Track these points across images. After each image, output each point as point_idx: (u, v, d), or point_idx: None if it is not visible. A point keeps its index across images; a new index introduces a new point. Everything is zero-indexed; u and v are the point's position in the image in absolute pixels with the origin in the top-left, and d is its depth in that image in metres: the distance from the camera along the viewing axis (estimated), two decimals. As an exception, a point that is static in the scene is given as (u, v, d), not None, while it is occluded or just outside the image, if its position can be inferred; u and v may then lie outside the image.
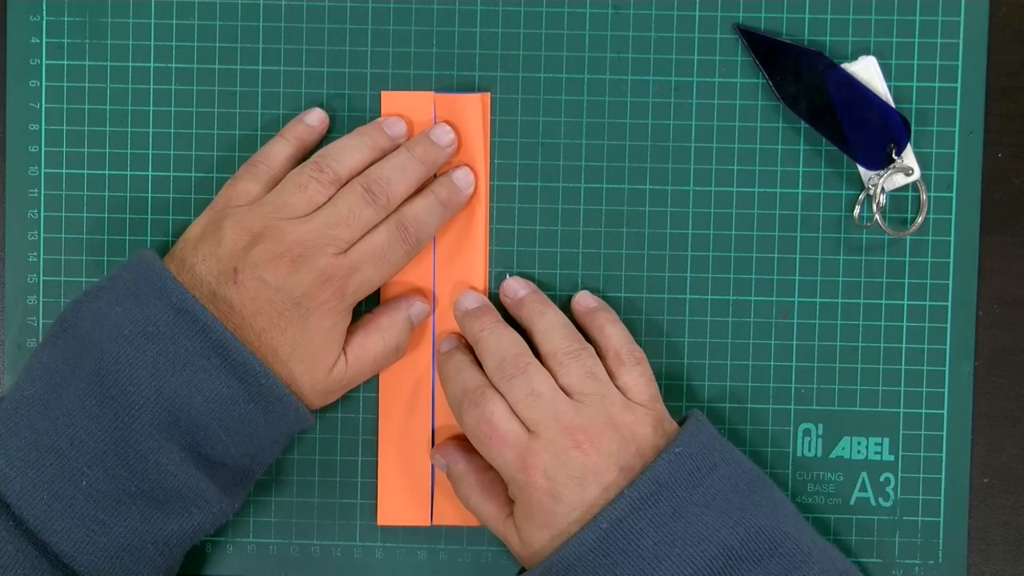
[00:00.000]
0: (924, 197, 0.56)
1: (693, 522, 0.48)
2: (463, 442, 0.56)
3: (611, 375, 0.53)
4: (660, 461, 0.49)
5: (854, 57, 0.56)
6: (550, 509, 0.49)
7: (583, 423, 0.50)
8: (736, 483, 0.50)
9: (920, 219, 0.56)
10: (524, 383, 0.51)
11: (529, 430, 0.50)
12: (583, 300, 0.56)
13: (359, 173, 0.54)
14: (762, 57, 0.56)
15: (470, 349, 0.55)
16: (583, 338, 0.53)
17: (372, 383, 0.56)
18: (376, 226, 0.53)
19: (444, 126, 0.56)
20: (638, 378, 0.53)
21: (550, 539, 0.50)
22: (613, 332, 0.54)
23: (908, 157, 0.56)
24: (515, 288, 0.56)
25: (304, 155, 0.56)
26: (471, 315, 0.55)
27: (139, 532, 0.49)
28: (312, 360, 0.51)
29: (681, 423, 0.53)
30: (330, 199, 0.52)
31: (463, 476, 0.54)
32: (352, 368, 0.53)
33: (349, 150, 0.54)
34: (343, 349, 0.53)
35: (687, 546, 0.47)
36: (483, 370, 0.53)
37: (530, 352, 0.53)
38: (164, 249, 0.57)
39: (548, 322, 0.54)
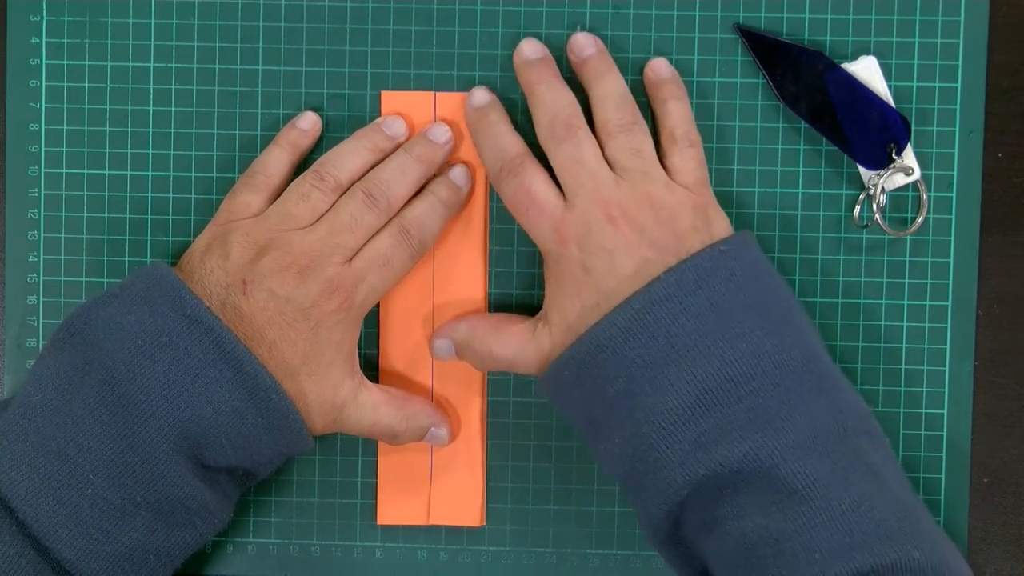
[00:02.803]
0: (924, 197, 0.56)
1: (729, 319, 0.47)
2: (453, 319, 0.55)
3: (662, 154, 0.52)
4: (703, 253, 0.48)
5: (854, 57, 0.56)
6: (581, 280, 0.49)
7: (619, 198, 0.49)
8: (777, 298, 0.49)
9: (920, 219, 0.56)
10: (571, 148, 0.50)
11: (566, 198, 0.50)
12: (658, 68, 0.55)
13: (360, 177, 0.54)
14: (762, 57, 0.56)
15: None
16: (639, 112, 0.53)
17: (371, 379, 0.56)
18: (379, 232, 0.53)
19: (441, 124, 0.56)
20: (687, 160, 0.52)
21: (580, 312, 0.49)
22: (674, 109, 0.53)
23: (908, 157, 0.56)
24: (582, 45, 0.54)
25: (300, 160, 0.56)
26: (531, 64, 0.53)
27: (142, 543, 0.48)
28: (321, 375, 0.51)
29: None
30: (332, 206, 0.52)
31: (472, 333, 0.53)
32: (356, 406, 0.53)
33: (349, 155, 0.54)
34: (363, 385, 0.53)
35: (719, 340, 0.47)
36: (517, 135, 0.53)
37: (582, 116, 0.52)
38: (164, 248, 0.57)
39: (606, 89, 0.53)
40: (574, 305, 0.49)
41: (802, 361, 0.48)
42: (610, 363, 0.48)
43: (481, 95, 0.54)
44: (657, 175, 0.51)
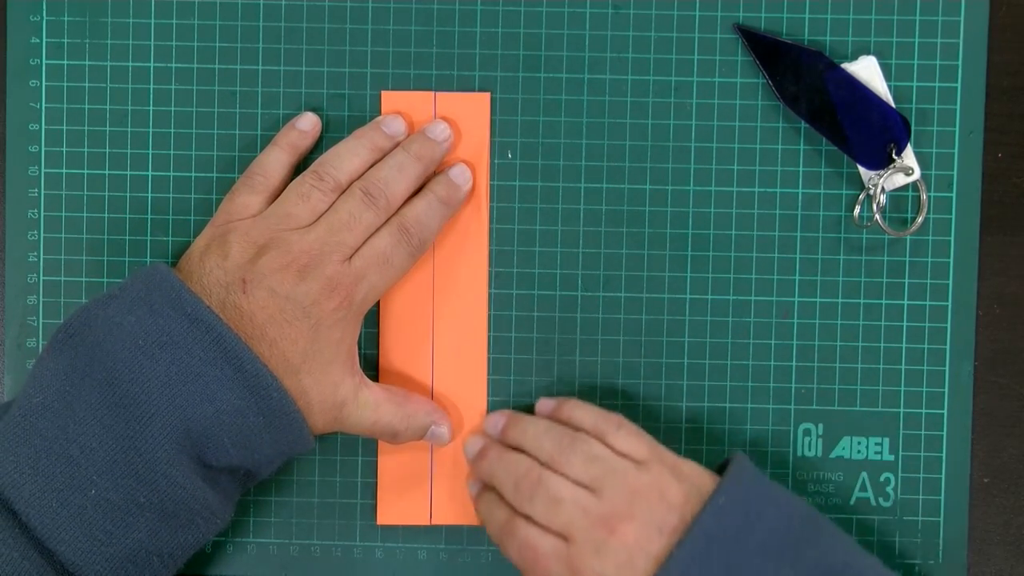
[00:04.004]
0: (924, 197, 0.56)
1: (749, 570, 0.48)
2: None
3: (605, 443, 0.53)
4: (705, 515, 0.49)
5: (854, 57, 0.56)
6: None
7: (609, 508, 0.50)
8: (788, 526, 0.49)
9: (920, 219, 0.56)
10: (542, 496, 0.51)
11: (565, 538, 0.50)
12: (542, 407, 0.56)
13: (360, 177, 0.54)
14: (762, 57, 0.56)
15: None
16: (570, 430, 0.53)
17: (371, 378, 0.56)
18: (378, 230, 0.53)
19: (440, 122, 0.56)
20: (627, 438, 0.52)
21: None
22: (582, 415, 0.54)
23: (908, 157, 0.56)
24: (494, 422, 0.56)
25: (299, 161, 0.56)
26: (476, 458, 0.55)
27: (145, 544, 0.48)
28: (322, 373, 0.51)
29: (722, 467, 0.52)
30: (332, 206, 0.52)
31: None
32: (356, 404, 0.53)
33: (348, 155, 0.54)
34: (363, 384, 0.53)
35: None
36: (505, 502, 0.53)
37: (537, 465, 0.52)
38: (164, 248, 0.57)
39: (532, 434, 0.54)
40: None
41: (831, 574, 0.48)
42: None
43: (473, 443, 0.56)
44: (621, 466, 0.51)
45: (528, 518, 0.52)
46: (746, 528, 0.49)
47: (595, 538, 0.50)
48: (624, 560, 0.49)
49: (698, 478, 0.51)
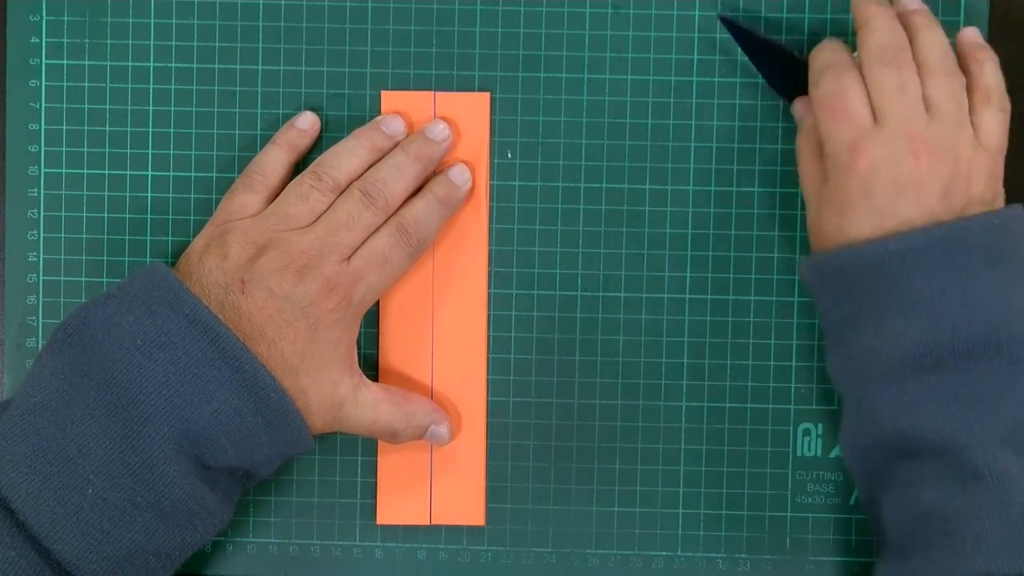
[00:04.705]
0: None
1: (974, 292, 0.47)
2: None
3: (972, 109, 0.52)
4: (975, 221, 0.48)
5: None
6: (855, 200, 0.49)
7: (929, 136, 0.49)
8: None
9: None
10: (895, 73, 0.50)
11: (876, 120, 0.50)
12: (972, 34, 0.54)
13: (359, 177, 0.54)
14: (750, 50, 0.56)
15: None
16: (959, 70, 0.52)
17: (371, 378, 0.56)
18: (377, 231, 0.53)
19: (439, 122, 0.56)
20: (996, 123, 0.51)
21: (836, 230, 0.50)
22: (991, 70, 0.53)
23: None
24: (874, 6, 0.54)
25: (298, 160, 0.56)
26: (873, 8, 0.53)
27: (142, 543, 0.48)
28: (320, 373, 0.51)
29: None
30: (330, 206, 0.52)
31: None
32: (355, 404, 0.53)
33: (347, 155, 0.54)
34: (362, 383, 0.53)
35: (957, 309, 0.47)
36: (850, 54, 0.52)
37: (912, 56, 0.51)
38: (164, 248, 0.57)
39: (932, 36, 0.52)
40: (833, 222, 0.50)
41: None
42: (847, 288, 0.49)
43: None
44: (967, 129, 0.50)
45: (862, 79, 0.50)
46: (997, 255, 0.48)
47: (898, 143, 0.49)
48: (899, 182, 0.48)
49: (998, 199, 0.51)
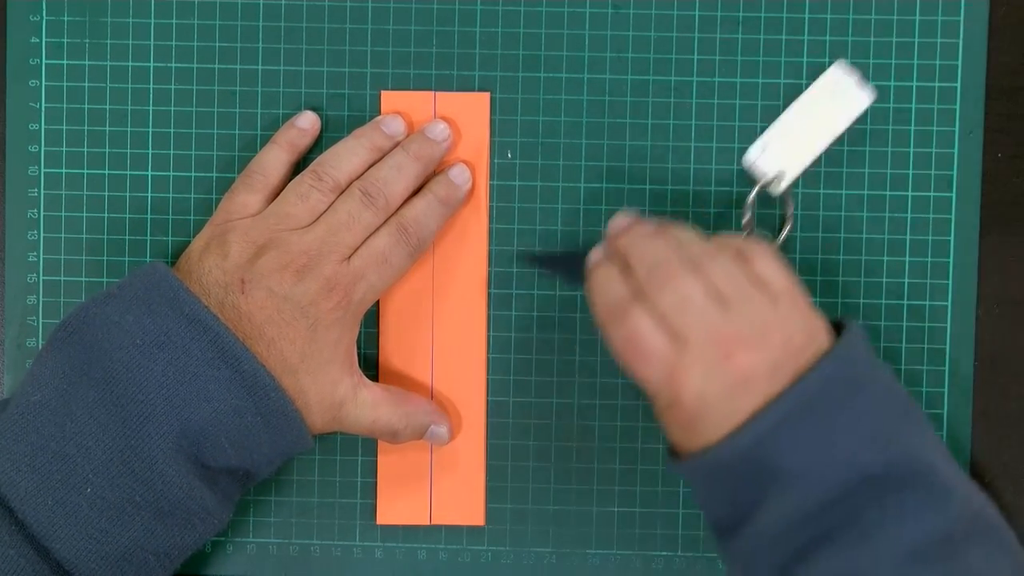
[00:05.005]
0: (790, 212, 0.56)
1: (836, 444, 0.46)
2: None
3: (747, 269, 0.50)
4: (809, 380, 0.46)
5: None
6: (694, 423, 0.47)
7: (734, 331, 0.47)
8: (885, 408, 0.48)
9: (783, 234, 0.56)
10: (672, 291, 0.47)
11: (677, 340, 0.47)
12: (621, 221, 0.52)
13: (359, 177, 0.54)
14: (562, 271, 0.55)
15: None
16: (720, 239, 0.50)
17: (371, 378, 0.56)
18: (377, 230, 0.53)
19: (439, 122, 0.56)
20: (770, 265, 0.49)
21: (688, 441, 0.48)
22: (729, 237, 0.51)
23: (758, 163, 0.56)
24: (621, 220, 0.52)
25: (299, 159, 0.56)
26: (618, 231, 0.51)
27: (141, 543, 0.48)
28: (320, 373, 0.51)
29: (835, 325, 0.50)
30: (331, 206, 0.52)
31: None
32: (355, 404, 0.53)
33: (347, 155, 0.54)
34: (362, 383, 0.53)
35: (826, 467, 0.46)
36: (629, 282, 0.49)
37: (681, 259, 0.49)
38: (164, 248, 0.57)
39: (681, 234, 0.50)
40: (684, 437, 0.49)
41: (911, 475, 0.47)
42: (718, 484, 0.48)
43: (623, 217, 0.52)
44: (759, 293, 0.48)
45: (646, 311, 0.48)
46: (844, 400, 0.47)
47: (709, 355, 0.47)
48: (728, 389, 0.47)
49: (820, 333, 0.48)
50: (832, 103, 0.56)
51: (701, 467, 0.48)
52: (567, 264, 0.54)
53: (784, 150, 0.55)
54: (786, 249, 0.57)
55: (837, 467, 0.46)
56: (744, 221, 0.55)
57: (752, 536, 0.48)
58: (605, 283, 0.50)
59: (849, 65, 0.56)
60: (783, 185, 0.55)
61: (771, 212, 0.57)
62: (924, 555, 0.45)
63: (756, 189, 0.55)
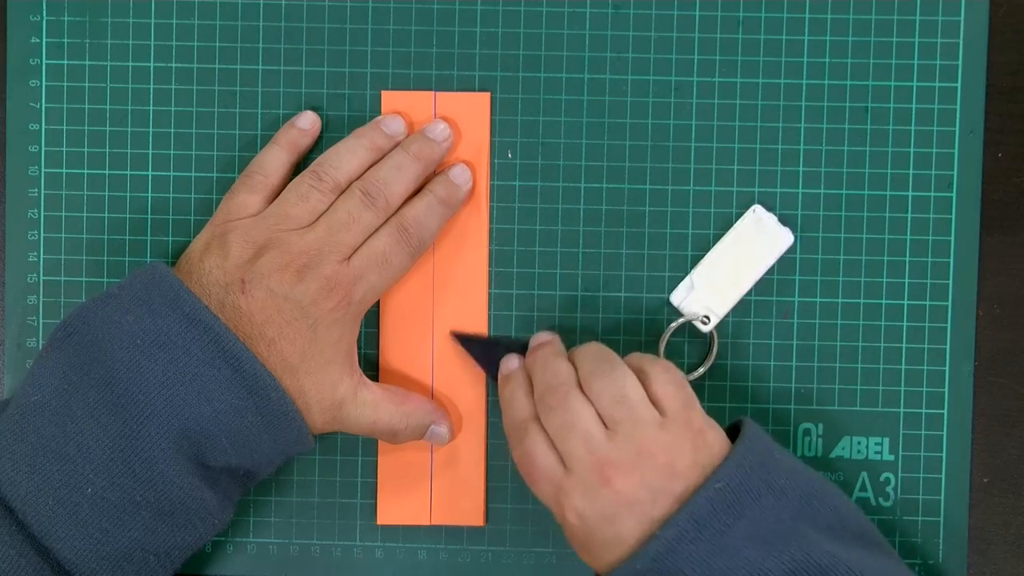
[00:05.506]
0: (714, 350, 0.56)
1: (734, 557, 0.47)
2: None
3: (646, 388, 0.51)
4: (698, 498, 0.47)
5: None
6: (586, 543, 0.49)
7: (613, 456, 0.49)
8: (780, 512, 0.48)
9: (706, 366, 0.56)
10: (561, 415, 0.50)
11: (564, 463, 0.50)
12: (544, 338, 0.55)
13: (359, 177, 0.54)
14: (478, 355, 0.56)
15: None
16: (616, 358, 0.52)
17: (371, 378, 0.56)
18: (377, 231, 0.53)
19: (440, 122, 0.56)
20: (666, 386, 0.51)
21: (591, 561, 0.50)
22: (638, 356, 0.53)
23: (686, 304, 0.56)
24: (540, 337, 0.55)
25: (299, 159, 0.56)
26: (532, 349, 0.54)
27: (142, 543, 0.48)
28: (320, 373, 0.51)
29: (730, 429, 0.52)
30: (331, 206, 0.52)
31: None
32: (356, 404, 0.53)
33: (347, 155, 0.54)
34: (362, 383, 0.53)
35: None
36: (531, 400, 0.52)
37: (573, 381, 0.51)
38: (164, 248, 0.57)
39: (582, 350, 0.53)
40: (584, 558, 0.50)
41: (815, 571, 0.47)
42: None
43: (540, 336, 0.55)
44: (648, 417, 0.50)
45: (540, 431, 0.50)
46: (737, 511, 0.48)
47: (589, 479, 0.49)
48: (608, 513, 0.48)
49: (715, 447, 0.50)
50: (756, 243, 0.56)
51: None
52: (487, 356, 0.56)
53: (710, 290, 0.56)
54: (714, 365, 0.57)
55: None
56: (660, 347, 0.56)
57: None
58: (511, 398, 0.53)
59: (765, 209, 0.56)
60: (710, 325, 0.56)
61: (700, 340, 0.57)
62: None
63: (679, 322, 0.56)
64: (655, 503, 0.48)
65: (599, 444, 0.49)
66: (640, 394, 0.50)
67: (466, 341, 0.56)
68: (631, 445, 0.49)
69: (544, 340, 0.54)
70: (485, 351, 0.56)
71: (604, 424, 0.50)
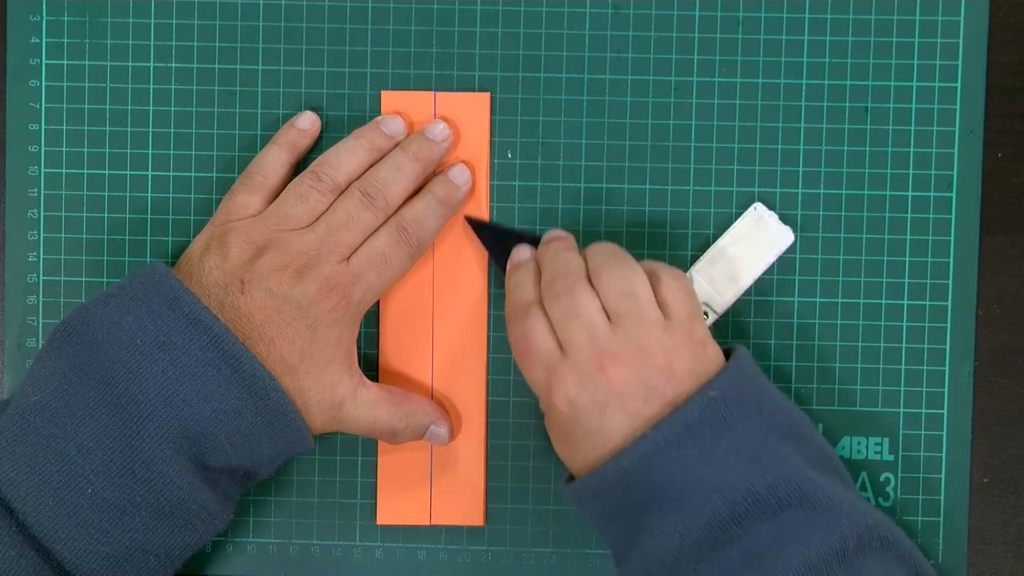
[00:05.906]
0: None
1: (719, 466, 0.47)
2: None
3: (655, 290, 0.51)
4: (692, 404, 0.48)
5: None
6: (570, 431, 0.49)
7: (613, 347, 0.49)
8: (767, 433, 0.48)
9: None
10: (566, 302, 0.50)
11: (562, 348, 0.50)
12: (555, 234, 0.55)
13: (359, 177, 0.54)
14: (490, 243, 0.56)
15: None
16: (629, 256, 0.52)
17: (371, 378, 0.56)
18: (377, 231, 0.53)
19: (439, 122, 0.56)
20: (676, 292, 0.51)
21: (570, 456, 0.50)
22: (652, 262, 0.53)
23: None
24: (554, 232, 0.55)
25: (299, 160, 0.56)
26: (544, 243, 0.54)
27: (142, 543, 0.48)
28: (320, 373, 0.51)
29: (726, 352, 0.52)
30: (330, 207, 0.52)
31: None
32: (355, 404, 0.53)
33: (346, 155, 0.54)
34: (362, 383, 0.53)
35: (711, 491, 0.47)
36: (537, 288, 0.52)
37: (582, 273, 0.51)
38: (164, 248, 0.57)
39: (596, 246, 0.53)
40: (564, 451, 0.51)
41: (797, 494, 0.47)
42: (606, 509, 0.49)
43: (554, 231, 0.55)
44: (652, 316, 0.50)
45: (542, 315, 0.51)
46: (727, 423, 0.48)
47: (585, 367, 0.49)
48: (599, 401, 0.48)
49: (712, 363, 0.50)
50: (756, 241, 0.56)
51: (587, 488, 0.49)
52: (499, 245, 0.55)
53: (709, 286, 0.56)
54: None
55: (724, 490, 0.47)
56: None
57: (641, 561, 0.48)
58: (518, 284, 0.53)
59: (767, 207, 0.56)
60: (709, 321, 0.56)
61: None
62: (819, 572, 0.45)
63: None
64: (647, 401, 0.48)
65: (601, 334, 0.49)
66: (648, 293, 0.50)
67: (479, 227, 0.56)
68: (632, 340, 0.49)
69: (558, 235, 0.54)
70: (497, 239, 0.56)
71: (608, 318, 0.50)
